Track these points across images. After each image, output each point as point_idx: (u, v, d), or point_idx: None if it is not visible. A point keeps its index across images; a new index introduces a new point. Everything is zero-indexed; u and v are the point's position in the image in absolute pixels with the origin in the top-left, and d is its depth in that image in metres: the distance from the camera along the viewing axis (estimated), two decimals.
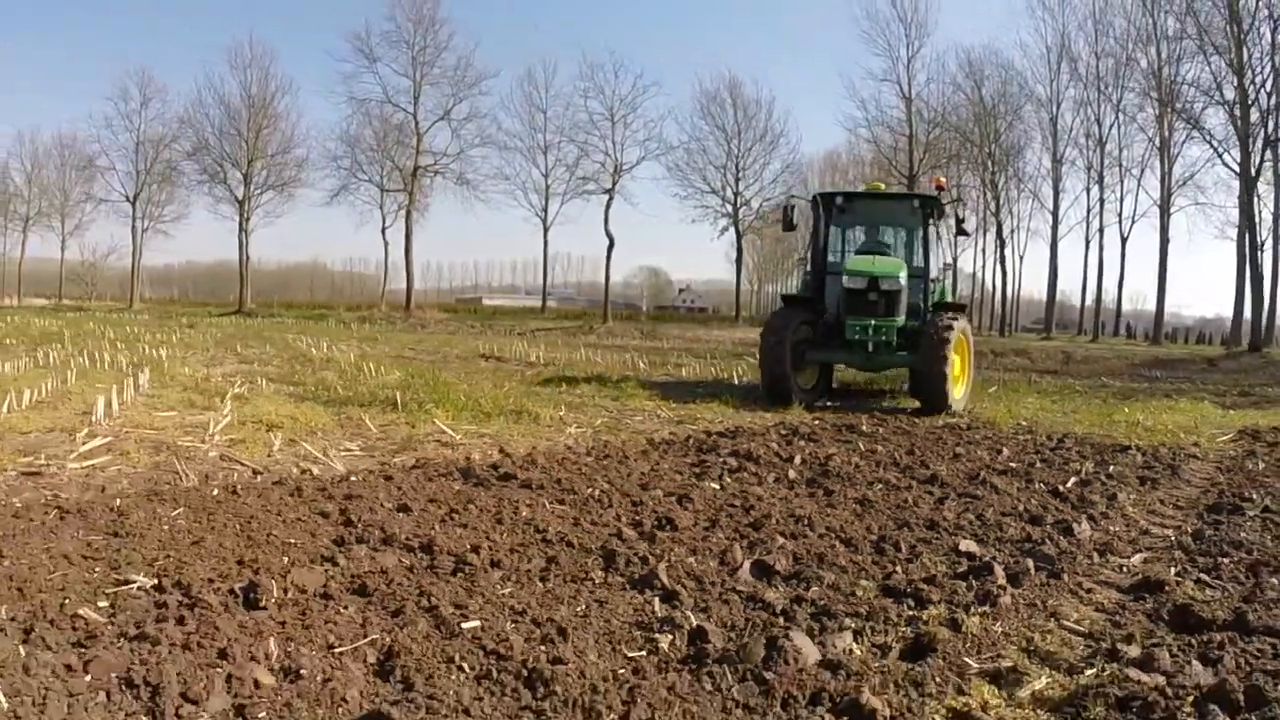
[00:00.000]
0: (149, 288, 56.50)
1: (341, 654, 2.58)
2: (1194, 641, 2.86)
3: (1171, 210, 40.78)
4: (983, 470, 6.10)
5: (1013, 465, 6.45)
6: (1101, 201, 45.51)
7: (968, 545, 3.90)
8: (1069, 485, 5.67)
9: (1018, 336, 45.31)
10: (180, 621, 2.82)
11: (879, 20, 45.86)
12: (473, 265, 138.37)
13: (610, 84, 45.13)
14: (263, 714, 2.21)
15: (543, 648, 2.60)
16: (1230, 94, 33.69)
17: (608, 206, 44.00)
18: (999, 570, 3.48)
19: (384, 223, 47.03)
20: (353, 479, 5.21)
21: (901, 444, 7.34)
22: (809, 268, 12.28)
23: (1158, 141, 41.19)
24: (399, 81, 45.00)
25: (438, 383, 10.45)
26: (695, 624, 2.81)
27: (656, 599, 3.11)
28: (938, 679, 2.53)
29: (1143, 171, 43.71)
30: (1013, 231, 51.04)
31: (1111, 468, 6.49)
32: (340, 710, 2.23)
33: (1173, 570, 3.73)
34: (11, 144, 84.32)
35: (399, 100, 45.19)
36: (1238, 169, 33.70)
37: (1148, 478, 6.20)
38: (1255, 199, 33.81)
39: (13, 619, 2.80)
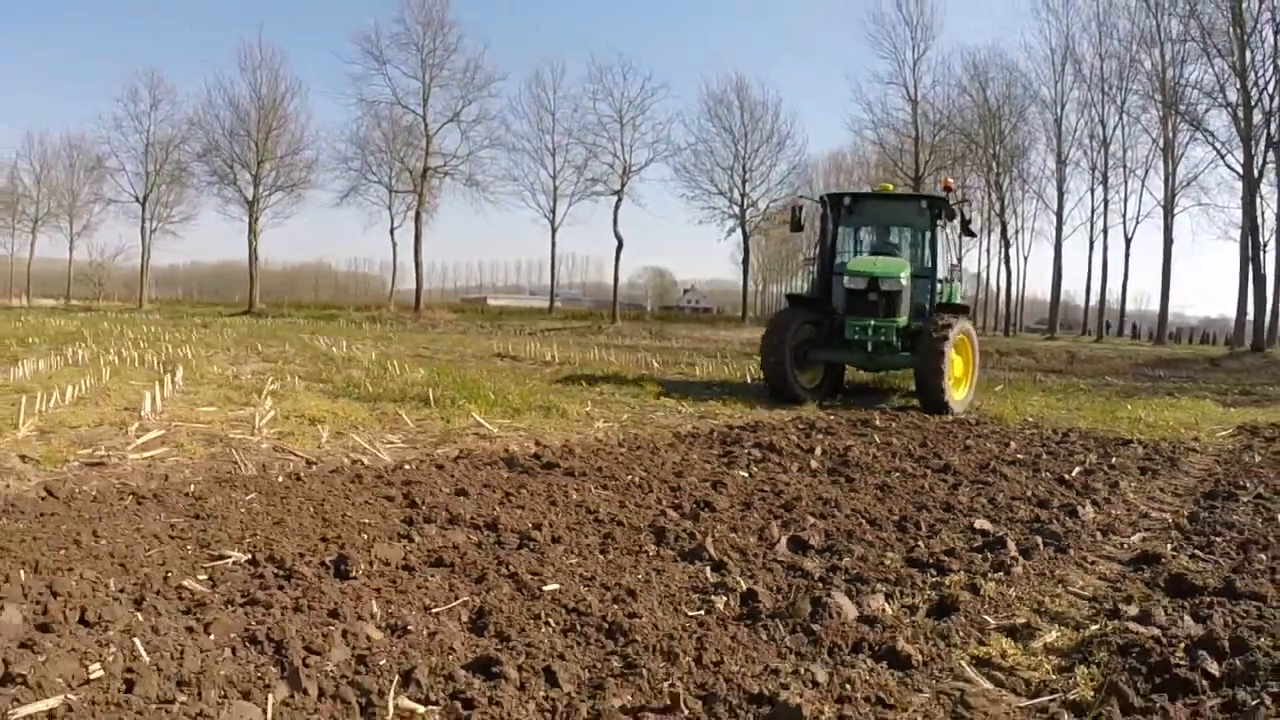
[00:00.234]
0: (154, 288, 56.93)
1: (438, 613, 2.94)
2: (1187, 604, 3.24)
3: (1175, 211, 41.06)
4: (992, 461, 6.47)
5: (1020, 457, 6.82)
6: (1106, 202, 45.83)
7: (982, 524, 4.28)
8: (1074, 474, 6.04)
9: (1022, 336, 45.61)
10: (282, 590, 3.18)
11: (885, 23, 46.19)
12: (477, 265, 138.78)
13: (619, 86, 45.54)
14: (383, 661, 2.56)
15: (615, 606, 2.98)
16: (1233, 96, 34.02)
17: (616, 208, 44.43)
18: (1011, 544, 3.87)
19: (392, 223, 47.48)
20: (405, 467, 5.59)
21: (914, 437, 7.71)
22: (815, 268, 12.45)
23: (1161, 143, 41.49)
24: (408, 83, 45.45)
25: (466, 380, 10.83)
26: (746, 587, 3.19)
27: (707, 568, 3.49)
28: (961, 632, 2.91)
29: (1146, 172, 44.06)
30: (1017, 232, 51.40)
31: (1114, 459, 6.86)
32: (450, 658, 2.59)
33: (1169, 546, 4.11)
34: (20, 145, 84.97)
35: (408, 102, 45.64)
36: (1240, 171, 34.03)
37: (1148, 468, 6.57)
38: (1258, 200, 34.11)
39: (122, 590, 3.13)
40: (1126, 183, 45.29)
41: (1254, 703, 2.41)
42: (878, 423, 8.74)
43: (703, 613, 3.00)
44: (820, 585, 3.30)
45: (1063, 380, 17.97)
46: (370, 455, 6.35)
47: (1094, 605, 3.27)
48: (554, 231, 47.15)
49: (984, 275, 54.18)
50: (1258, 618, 3.11)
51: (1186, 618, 3.02)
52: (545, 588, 3.11)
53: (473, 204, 73.58)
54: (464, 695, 2.31)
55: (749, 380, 14.43)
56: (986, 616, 3.06)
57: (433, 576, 3.33)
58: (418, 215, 45.14)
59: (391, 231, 47.55)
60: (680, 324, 45.24)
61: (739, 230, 47.40)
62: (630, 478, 5.27)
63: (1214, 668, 2.62)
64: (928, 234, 11.79)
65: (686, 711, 2.24)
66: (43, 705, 2.17)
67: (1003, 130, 47.18)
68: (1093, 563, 3.87)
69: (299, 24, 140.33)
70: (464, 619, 2.91)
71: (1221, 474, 6.46)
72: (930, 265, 11.65)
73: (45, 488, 4.80)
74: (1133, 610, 3.08)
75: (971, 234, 12.95)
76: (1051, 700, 2.43)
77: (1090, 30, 44.86)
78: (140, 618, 2.83)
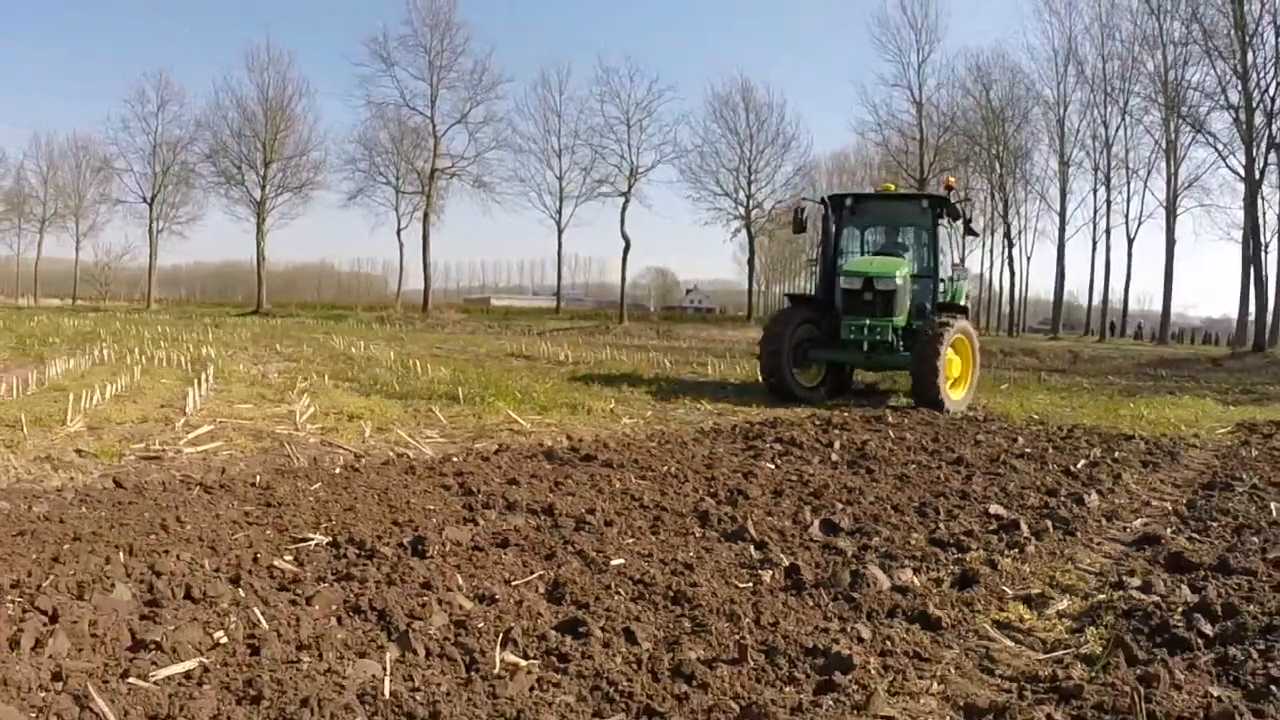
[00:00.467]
0: (158, 288, 57.29)
1: (518, 585, 3.30)
2: (1184, 578, 3.60)
3: (1178, 212, 41.45)
4: (1002, 454, 6.84)
5: (1028, 451, 7.18)
6: (1108, 203, 46.22)
7: (996, 509, 4.66)
8: (1079, 466, 6.41)
9: (1025, 336, 45.99)
10: (367, 568, 3.52)
11: (890, 26, 46.82)
12: (479, 265, 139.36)
13: (626, 89, 46.00)
14: (480, 625, 2.90)
15: (676, 578, 3.35)
16: (1235, 98, 34.36)
17: (624, 209, 44.85)
18: (1024, 527, 4.25)
19: (399, 224, 47.91)
20: (453, 460, 5.95)
21: (926, 433, 8.07)
22: (818, 269, 12.51)
23: (1163, 144, 41.84)
24: (416, 85, 45.91)
25: (490, 378, 11.21)
26: (788, 563, 3.56)
27: (750, 547, 3.87)
28: (983, 601, 3.28)
29: (1149, 173, 44.45)
30: (1020, 233, 51.85)
31: (1117, 453, 7.22)
32: (539, 621, 2.94)
33: (1169, 530, 4.47)
34: (28, 145, 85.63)
35: (416, 104, 46.09)
36: (1242, 172, 34.38)
37: (1150, 462, 6.93)
38: (1260, 201, 34.48)
39: (217, 570, 3.42)
40: (1129, 184, 45.75)
41: (1243, 657, 2.77)
42: (890, 419, 9.10)
43: (752, 584, 3.37)
44: (854, 560, 3.67)
45: (1066, 379, 18.32)
46: (413, 449, 6.71)
47: (1100, 579, 3.64)
48: (560, 233, 47.62)
49: (988, 275, 54.57)
50: (1248, 589, 3.47)
51: (1184, 588, 3.39)
52: (611, 563, 3.48)
53: (480, 205, 73.88)
54: (557, 651, 2.67)
55: (761, 379, 14.79)
56: (1004, 587, 3.43)
57: (504, 555, 3.69)
58: (426, 216, 45.60)
59: (398, 232, 48.04)
60: (685, 324, 45.66)
61: (744, 231, 47.80)
62: (665, 469, 5.64)
63: (1208, 629, 2.98)
64: (929, 233, 11.84)
65: (753, 662, 2.60)
66: (181, 667, 2.47)
67: (1006, 131, 47.55)
68: (1098, 543, 4.25)
69: (301, 24, 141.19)
70: (541, 590, 3.27)
71: (1219, 467, 6.81)
72: (932, 264, 11.72)
73: (114, 479, 5.10)
74: (1135, 582, 3.45)
75: (973, 233, 13.02)
76: (1065, 653, 2.80)
77: (1093, 32, 45.34)
78: (241, 593, 3.12)
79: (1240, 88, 33.69)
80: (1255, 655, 2.77)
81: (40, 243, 58.36)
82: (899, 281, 10.94)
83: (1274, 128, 33.05)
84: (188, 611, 2.90)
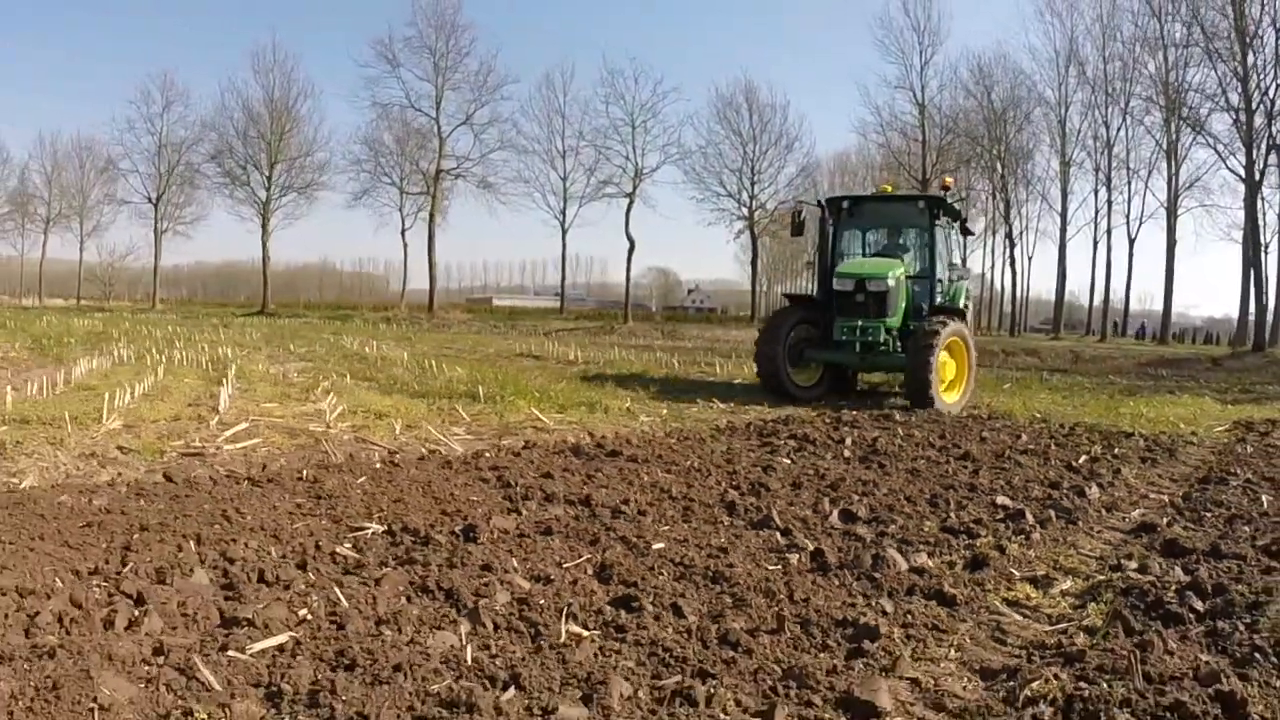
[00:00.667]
0: (160, 288, 57.62)
1: (569, 568, 3.60)
2: (1178, 562, 3.91)
3: (1179, 212, 41.71)
4: (1007, 450, 7.15)
5: (1031, 447, 7.48)
6: (1109, 203, 46.50)
7: (1003, 500, 4.97)
8: (1080, 462, 6.72)
9: (1027, 336, 46.29)
10: (425, 553, 3.81)
11: (893, 28, 47.03)
12: (481, 265, 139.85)
13: (630, 90, 46.33)
14: (541, 601, 3.19)
15: (712, 560, 3.66)
16: (1235, 99, 34.66)
17: (628, 210, 45.19)
18: (1029, 516, 4.56)
19: (403, 225, 48.24)
20: (485, 455, 6.25)
21: (933, 430, 8.38)
22: (816, 271, 12.71)
23: (1164, 145, 42.11)
24: (421, 86, 46.24)
25: (507, 378, 11.52)
26: (813, 547, 3.87)
27: (776, 534, 4.17)
28: (993, 581, 3.59)
29: (1150, 174, 44.69)
30: (1022, 233, 52.12)
31: (1117, 450, 7.53)
32: (594, 598, 3.24)
33: (1165, 520, 4.78)
34: (32, 146, 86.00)
35: (421, 105, 46.42)
36: (1242, 174, 34.67)
37: (1148, 458, 7.24)
38: (1259, 202, 34.78)
39: (284, 556, 3.69)
40: (1130, 184, 46.01)
41: (1230, 630, 3.08)
42: (898, 417, 9.41)
43: (781, 566, 3.67)
44: (873, 545, 3.98)
45: (1068, 379, 18.63)
46: (443, 446, 7.02)
47: (1100, 562, 3.96)
48: (564, 233, 47.95)
49: (989, 276, 54.87)
50: (1238, 572, 3.77)
51: (1178, 570, 3.69)
52: (652, 547, 3.79)
53: (484, 206, 74.28)
54: (614, 623, 2.98)
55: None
56: (1012, 570, 3.74)
57: (550, 541, 3.99)
58: (431, 217, 45.89)
59: (403, 233, 48.40)
60: (689, 324, 46.00)
61: (747, 232, 48.11)
62: (688, 463, 5.95)
63: (1199, 605, 3.29)
64: (926, 234, 11.88)
65: (790, 632, 2.91)
66: (274, 641, 2.73)
67: (1008, 132, 47.84)
68: (1099, 531, 4.56)
69: (303, 25, 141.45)
70: (590, 572, 3.57)
71: (1215, 463, 7.11)
72: (929, 265, 11.78)
73: (164, 474, 5.37)
74: (1133, 565, 3.76)
75: (969, 232, 13.08)
76: (1069, 625, 3.11)
77: (1094, 33, 45.60)
78: (311, 577, 3.39)
79: (1240, 89, 34.00)
80: (1242, 628, 3.07)
81: (45, 243, 58.76)
82: (891, 283, 11.02)
83: (1274, 129, 33.37)
84: (265, 593, 3.17)
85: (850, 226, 12.56)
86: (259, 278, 51.41)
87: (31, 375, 10.33)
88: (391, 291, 55.89)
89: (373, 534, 4.14)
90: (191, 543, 3.78)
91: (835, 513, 4.56)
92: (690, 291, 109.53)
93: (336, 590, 3.25)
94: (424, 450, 6.74)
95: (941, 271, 11.92)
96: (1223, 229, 46.51)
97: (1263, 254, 34.81)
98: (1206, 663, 2.73)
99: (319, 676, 2.51)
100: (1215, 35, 34.93)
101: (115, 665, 2.49)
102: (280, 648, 2.71)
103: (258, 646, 2.71)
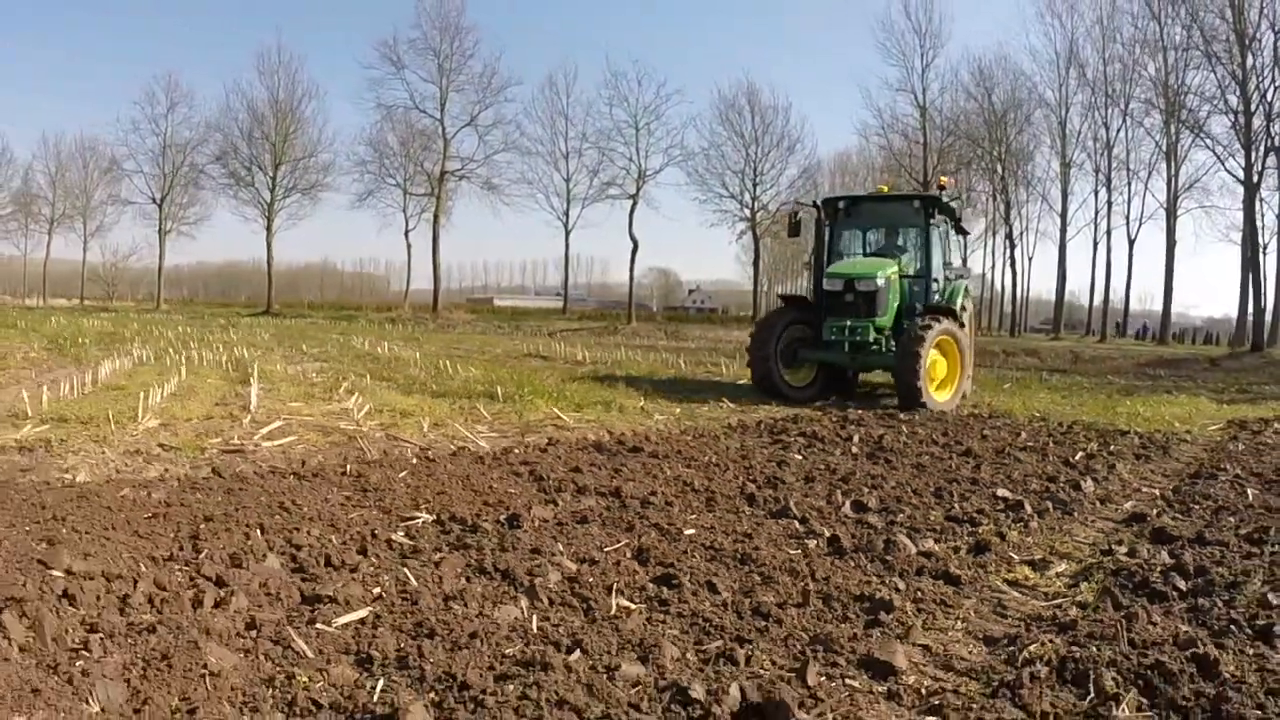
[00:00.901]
0: (164, 288, 57.92)
1: (609, 551, 3.94)
2: (1165, 548, 4.26)
3: (1178, 213, 42.07)
4: (1006, 447, 7.50)
5: (1030, 444, 7.83)
6: (1109, 204, 46.89)
7: (1003, 492, 5.33)
8: (1077, 458, 7.07)
9: (1027, 336, 46.67)
10: (475, 538, 4.14)
11: (894, 31, 47.41)
12: (482, 265, 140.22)
13: (634, 92, 46.70)
14: (590, 579, 3.53)
15: (739, 544, 4.01)
16: (1234, 102, 35.02)
17: (632, 211, 45.56)
18: (1028, 507, 4.92)
19: (407, 225, 48.57)
20: (514, 451, 6.60)
21: (936, 428, 8.73)
22: (812, 271, 12.79)
23: (1164, 146, 42.48)
24: (425, 88, 46.58)
25: (522, 378, 11.87)
26: (829, 534, 4.23)
27: (795, 522, 4.53)
28: (994, 564, 3.94)
29: (1149, 175, 45.08)
30: (1022, 233, 52.49)
31: (1113, 447, 7.88)
32: (636, 577, 3.59)
33: (1155, 511, 5.13)
34: (36, 146, 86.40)
35: (425, 106, 46.76)
36: (1241, 175, 35.03)
37: (1142, 454, 7.59)
38: (1258, 204, 35.14)
39: (344, 543, 4.01)
40: (1130, 185, 46.40)
41: (1209, 606, 3.43)
42: (902, 415, 9.76)
43: (801, 550, 4.02)
44: (884, 532, 4.34)
45: (1067, 379, 18.97)
46: (471, 443, 7.36)
47: (1093, 548, 4.31)
48: (567, 234, 48.30)
49: (990, 276, 55.22)
50: (1220, 556, 4.12)
51: (1164, 554, 4.04)
52: (684, 533, 4.15)
53: (487, 206, 74.64)
54: (657, 598, 3.33)
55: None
56: (1012, 554, 4.09)
57: (589, 529, 4.33)
58: (435, 218, 46.22)
59: (406, 234, 48.68)
60: (691, 325, 46.40)
61: (749, 233, 48.48)
62: (706, 459, 6.30)
63: (1182, 584, 3.64)
64: (922, 234, 11.92)
65: (814, 606, 3.26)
66: (356, 615, 3.06)
67: (1008, 133, 48.19)
68: (1092, 521, 4.92)
69: (305, 25, 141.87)
70: (629, 555, 3.91)
71: (1207, 459, 7.46)
72: (924, 265, 11.84)
73: (213, 469, 5.71)
74: (1123, 550, 4.12)
75: (963, 232, 13.14)
76: (1063, 601, 3.46)
77: (1094, 34, 45.98)
78: (374, 560, 3.71)
79: (1239, 92, 34.37)
80: (1220, 604, 3.42)
81: (49, 243, 59.04)
82: (880, 283, 11.08)
83: (1272, 132, 33.73)
84: (336, 576, 3.49)
85: (849, 227, 12.67)
86: (261, 278, 51.75)
87: (57, 375, 10.64)
88: (393, 292, 56.35)
89: (423, 523, 4.44)
90: (257, 531, 4.08)
91: (847, 503, 4.92)
92: (691, 292, 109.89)
93: (405, 571, 3.57)
94: (453, 447, 7.06)
95: (937, 271, 11.98)
96: (1222, 230, 46.97)
97: (1261, 255, 35.23)
98: (1186, 632, 3.08)
99: (402, 644, 2.83)
100: (1214, 38, 35.34)
101: (214, 638, 2.78)
102: (362, 621, 3.02)
103: (342, 620, 3.03)
